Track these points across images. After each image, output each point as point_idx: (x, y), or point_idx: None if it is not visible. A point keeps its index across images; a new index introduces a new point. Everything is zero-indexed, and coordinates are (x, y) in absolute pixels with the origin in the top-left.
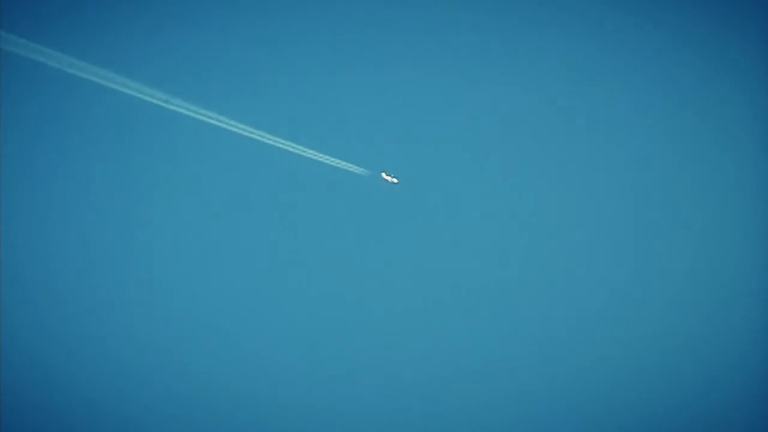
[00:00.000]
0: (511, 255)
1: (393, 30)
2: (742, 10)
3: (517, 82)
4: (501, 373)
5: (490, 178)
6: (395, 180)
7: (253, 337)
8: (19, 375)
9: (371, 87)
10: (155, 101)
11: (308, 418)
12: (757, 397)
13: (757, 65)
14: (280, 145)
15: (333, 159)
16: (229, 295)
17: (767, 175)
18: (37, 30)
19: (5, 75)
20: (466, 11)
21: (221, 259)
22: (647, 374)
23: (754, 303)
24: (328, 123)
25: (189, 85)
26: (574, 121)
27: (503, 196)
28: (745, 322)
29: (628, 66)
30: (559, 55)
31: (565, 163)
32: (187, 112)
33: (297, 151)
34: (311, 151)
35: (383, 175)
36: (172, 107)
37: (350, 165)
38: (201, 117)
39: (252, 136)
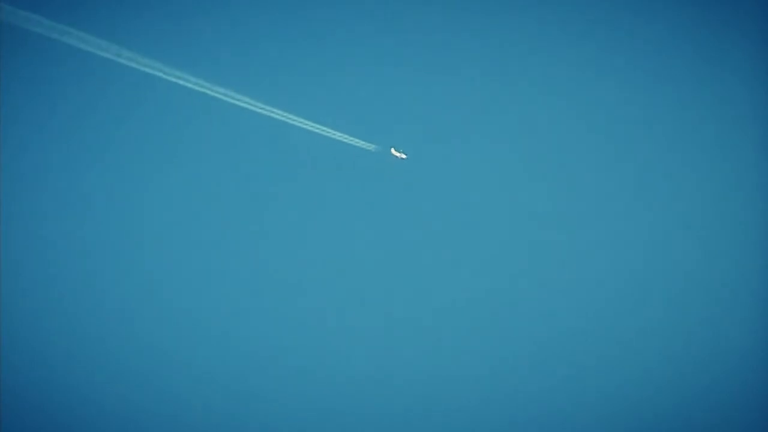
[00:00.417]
0: (514, 242)
1: (407, 9)
2: (742, 10)
3: (521, 80)
4: (503, 368)
5: (499, 162)
6: (404, 156)
7: (258, 325)
8: (19, 375)
9: (379, 64)
10: (151, 71)
11: (310, 412)
12: (757, 397)
13: (757, 65)
14: (289, 121)
15: (342, 134)
16: (236, 277)
17: (767, 175)
18: (40, 3)
19: (6, 47)
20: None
21: (230, 243)
22: (647, 374)
23: (754, 303)
24: (338, 100)
25: (196, 62)
26: (576, 118)
27: (511, 180)
28: (745, 321)
29: (629, 65)
30: (560, 55)
31: (565, 162)
32: (192, 86)
33: (306, 127)
34: (321, 127)
35: (392, 150)
36: (171, 78)
37: (359, 141)
38: (205, 91)
39: (261, 111)
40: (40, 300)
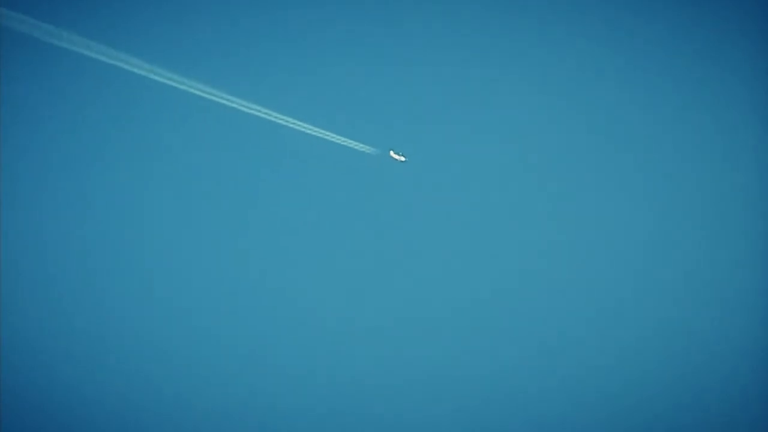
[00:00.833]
0: (516, 243)
1: (404, 9)
2: (742, 10)
3: (521, 79)
4: (503, 369)
5: (499, 164)
6: (403, 158)
7: (258, 327)
8: (19, 375)
9: (378, 66)
10: (151, 75)
11: (310, 413)
12: (757, 398)
13: (757, 65)
14: (286, 123)
15: (341, 138)
16: (222, 291)
17: (767, 175)
18: (38, 7)
19: (5, 51)
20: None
21: (229, 245)
22: (647, 375)
23: (754, 303)
24: (335, 102)
25: (192, 66)
26: (575, 118)
27: (510, 182)
28: (747, 322)
29: (629, 65)
30: (560, 54)
31: (565, 162)
32: (191, 90)
33: (304, 130)
34: (319, 130)
35: (391, 153)
36: (173, 83)
37: (358, 144)
38: (204, 95)
39: (258, 114)
40: (40, 300)
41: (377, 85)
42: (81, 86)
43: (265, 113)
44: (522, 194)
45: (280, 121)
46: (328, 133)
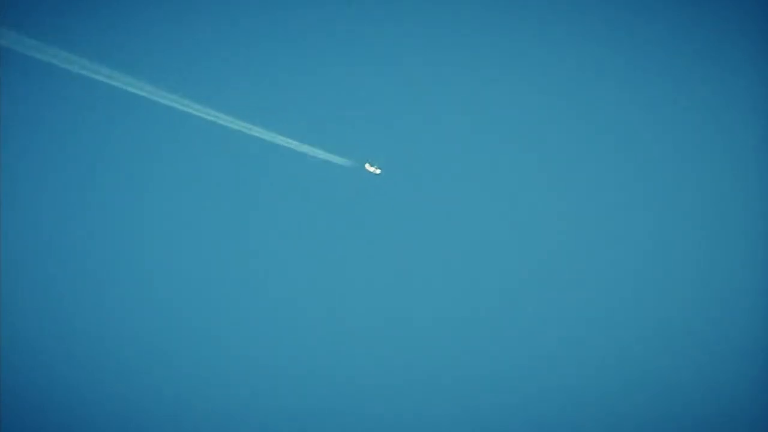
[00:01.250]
0: (504, 253)
1: (380, 20)
2: (742, 11)
3: (511, 79)
4: (501, 369)
5: (483, 173)
6: (378, 171)
7: (242, 336)
8: (19, 375)
9: (353, 73)
10: (142, 93)
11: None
12: (757, 398)
13: (757, 65)
14: (258, 135)
15: (313, 149)
16: (218, 293)
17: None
18: (36, 26)
19: (4, 72)
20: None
21: (207, 257)
22: (648, 375)
23: (754, 303)
24: (308, 112)
25: (176, 79)
26: (570, 119)
27: (497, 192)
28: (747, 322)
29: (628, 65)
30: (557, 53)
31: (561, 162)
32: (175, 105)
33: (275, 141)
34: (290, 141)
35: (367, 166)
36: (164, 101)
37: (332, 155)
38: (187, 109)
39: (229, 125)
40: (39, 300)
41: (352, 94)
42: (72, 104)
43: (235, 124)
44: (516, 197)
45: (249, 132)
46: (300, 144)
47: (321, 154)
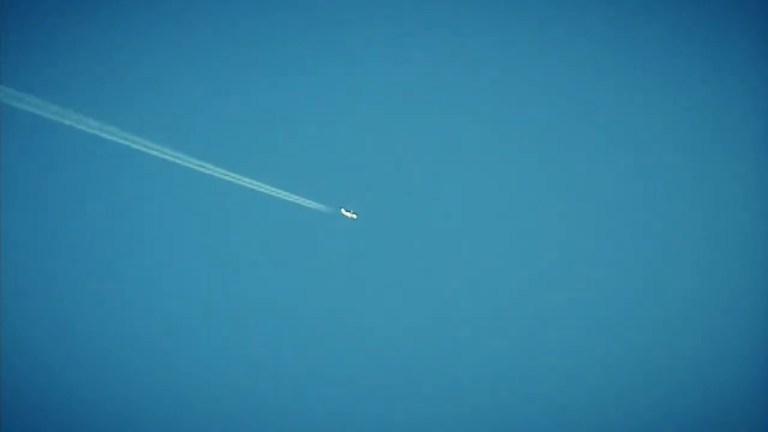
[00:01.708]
0: (507, 255)
1: (360, 50)
2: (743, 11)
3: (512, 83)
4: (503, 370)
5: (466, 203)
6: (354, 216)
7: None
8: (19, 375)
9: (330, 119)
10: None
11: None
12: (757, 397)
13: (757, 65)
14: (238, 181)
15: (292, 195)
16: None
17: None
18: (35, 83)
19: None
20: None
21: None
22: (648, 375)
23: (754, 303)
24: (287, 159)
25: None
26: (571, 121)
27: (486, 223)
28: (746, 322)
29: (628, 66)
30: (558, 55)
31: (561, 164)
32: (157, 154)
33: (254, 187)
34: (270, 188)
35: (342, 211)
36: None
37: (309, 201)
38: (176, 160)
39: (207, 171)
40: (39, 300)
41: (329, 141)
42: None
43: (214, 171)
44: (517, 200)
45: (229, 179)
46: (279, 191)
47: (297, 199)
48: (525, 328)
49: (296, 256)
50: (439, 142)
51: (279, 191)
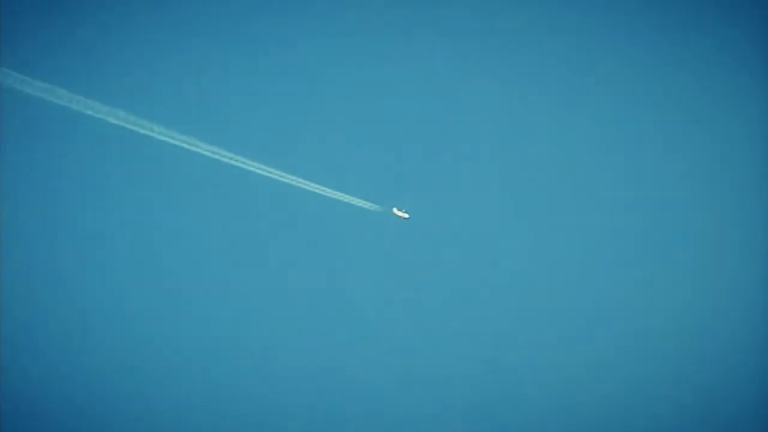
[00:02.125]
0: (524, 284)
1: (397, 63)
2: (743, 11)
3: (524, 97)
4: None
5: (502, 209)
6: (407, 215)
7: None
8: (19, 375)
9: (379, 123)
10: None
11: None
12: (757, 398)
13: (757, 65)
14: (292, 182)
15: (345, 195)
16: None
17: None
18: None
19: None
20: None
21: (228, 308)
22: (647, 375)
23: (754, 303)
24: (339, 160)
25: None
26: (571, 123)
27: (515, 226)
28: (746, 322)
29: (628, 67)
30: (559, 57)
31: (561, 166)
32: (199, 150)
33: (309, 188)
34: (323, 188)
35: (395, 210)
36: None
37: (362, 201)
38: (200, 150)
39: (263, 173)
40: (39, 301)
41: (380, 142)
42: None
43: (266, 170)
44: (527, 220)
45: (283, 180)
46: (330, 190)
47: (350, 199)
48: (525, 331)
49: (349, 256)
50: (493, 143)
51: (332, 192)
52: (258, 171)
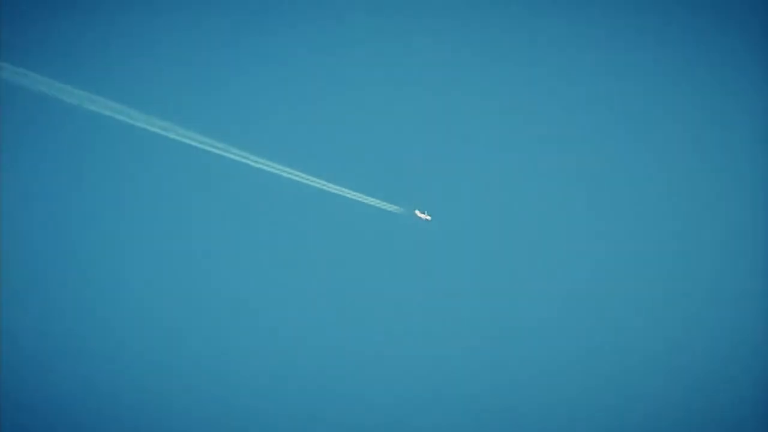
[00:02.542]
0: (540, 279)
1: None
2: (743, 11)
3: (533, 103)
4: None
5: (525, 207)
6: (429, 217)
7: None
8: (19, 375)
9: (399, 126)
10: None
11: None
12: (757, 398)
13: (757, 66)
14: (314, 184)
15: (367, 197)
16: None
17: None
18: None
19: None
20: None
21: (249, 305)
22: (647, 375)
23: (754, 303)
24: (362, 163)
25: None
26: (572, 125)
27: (536, 224)
28: (745, 322)
29: (628, 67)
30: (563, 56)
31: (563, 167)
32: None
33: (330, 190)
34: (345, 190)
35: (416, 212)
36: (199, 144)
37: (384, 203)
38: (217, 150)
39: (283, 173)
40: (39, 301)
41: (404, 146)
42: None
43: (290, 173)
44: (552, 237)
45: (306, 182)
46: (354, 193)
47: (372, 201)
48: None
49: (374, 257)
50: (516, 144)
51: (356, 194)
52: (280, 173)
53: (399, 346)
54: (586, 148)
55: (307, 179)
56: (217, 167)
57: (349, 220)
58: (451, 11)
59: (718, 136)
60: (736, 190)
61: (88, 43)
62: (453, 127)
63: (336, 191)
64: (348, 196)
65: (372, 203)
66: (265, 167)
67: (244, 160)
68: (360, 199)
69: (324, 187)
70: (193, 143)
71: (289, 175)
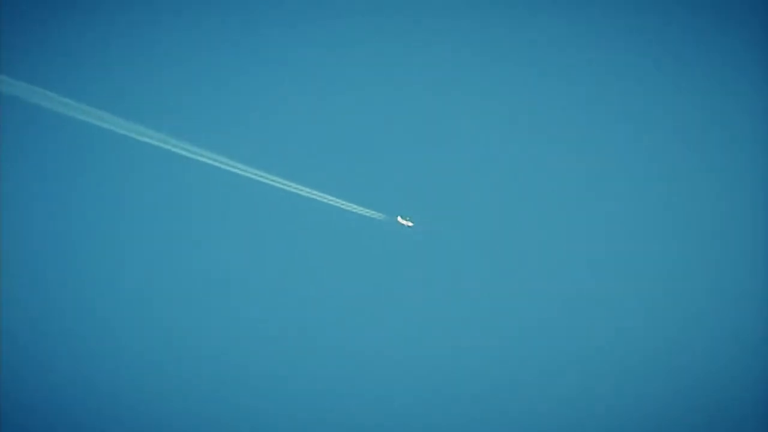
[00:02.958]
0: (530, 294)
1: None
2: (743, 11)
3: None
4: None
5: (509, 217)
6: (411, 224)
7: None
8: (19, 375)
9: (382, 130)
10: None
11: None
12: (757, 398)
13: (757, 66)
14: (295, 191)
15: (348, 204)
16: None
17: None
18: (36, 73)
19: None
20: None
21: (233, 303)
22: (647, 375)
23: (754, 303)
24: (343, 168)
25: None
26: (573, 126)
27: (524, 234)
28: (746, 322)
29: (628, 67)
30: (563, 56)
31: (563, 168)
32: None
33: (312, 197)
34: (327, 197)
35: (399, 219)
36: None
37: (365, 209)
38: (224, 166)
39: (265, 180)
40: (40, 302)
41: (385, 150)
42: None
43: (267, 178)
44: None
45: (286, 188)
46: (335, 199)
47: (353, 207)
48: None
49: (355, 263)
50: (499, 148)
51: (337, 200)
52: (259, 179)
53: (399, 347)
54: (585, 148)
55: (284, 184)
56: (216, 173)
57: (328, 227)
58: (447, 11)
59: (718, 136)
60: (736, 190)
61: (84, 49)
62: (451, 127)
63: (315, 197)
64: (328, 202)
65: (353, 210)
66: (242, 172)
67: (233, 170)
68: (341, 206)
69: (303, 193)
70: (192, 147)
71: (264, 180)
